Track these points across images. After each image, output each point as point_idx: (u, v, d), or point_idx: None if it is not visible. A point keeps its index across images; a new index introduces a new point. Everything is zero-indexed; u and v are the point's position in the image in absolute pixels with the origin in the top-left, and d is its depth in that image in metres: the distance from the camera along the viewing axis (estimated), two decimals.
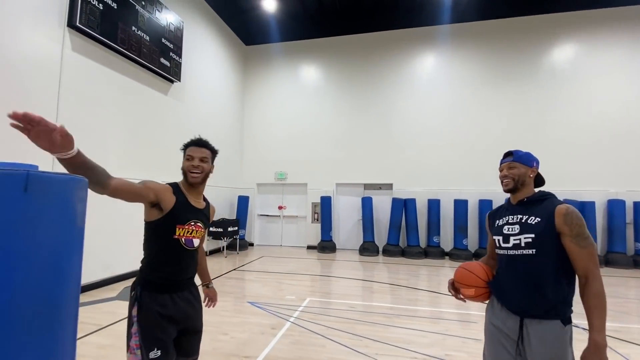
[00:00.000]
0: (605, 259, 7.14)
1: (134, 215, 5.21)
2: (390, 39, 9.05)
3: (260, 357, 2.76)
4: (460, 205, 7.70)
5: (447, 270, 6.64)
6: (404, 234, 8.27)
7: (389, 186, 8.78)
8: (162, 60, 6.14)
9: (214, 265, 6.76)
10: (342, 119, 9.12)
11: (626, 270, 6.75)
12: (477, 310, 4.06)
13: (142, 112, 5.84)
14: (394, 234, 8.11)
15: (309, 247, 9.02)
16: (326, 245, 8.38)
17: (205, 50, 7.93)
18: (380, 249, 8.35)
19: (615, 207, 7.29)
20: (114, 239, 5.01)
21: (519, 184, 1.42)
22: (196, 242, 1.56)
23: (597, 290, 1.20)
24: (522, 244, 1.33)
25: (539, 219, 1.32)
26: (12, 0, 3.74)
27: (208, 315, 3.77)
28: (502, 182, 1.46)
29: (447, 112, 8.54)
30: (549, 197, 1.39)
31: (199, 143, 1.62)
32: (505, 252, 1.39)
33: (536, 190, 1.46)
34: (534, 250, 1.31)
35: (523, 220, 1.37)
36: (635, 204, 7.23)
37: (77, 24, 4.42)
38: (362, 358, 2.77)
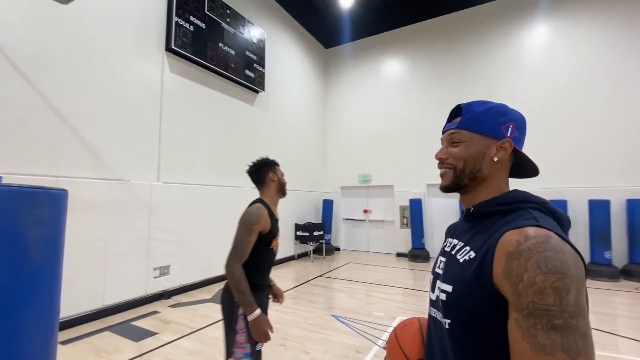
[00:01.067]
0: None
1: (229, 221, 5.50)
2: (485, 13, 7.75)
3: None
4: (599, 208, 5.97)
5: None
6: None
7: None
8: (247, 72, 6.42)
9: (301, 269, 6.73)
10: (431, 111, 8.19)
11: None
12: (629, 355, 2.89)
13: (231, 122, 6.18)
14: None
15: (399, 255, 8.31)
16: (418, 254, 7.56)
17: (287, 58, 8.10)
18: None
19: None
20: (211, 242, 5.34)
21: (465, 178, 0.74)
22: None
23: None
24: (439, 301, 0.70)
25: (473, 255, 0.65)
26: (119, 32, 4.28)
27: (292, 327, 3.61)
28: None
29: (569, 89, 6.82)
30: (517, 207, 0.67)
31: None
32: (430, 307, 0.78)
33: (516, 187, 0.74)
34: (447, 320, 0.67)
35: (453, 252, 0.73)
36: None
37: (173, 46, 4.86)
38: None
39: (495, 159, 0.71)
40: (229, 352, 1.58)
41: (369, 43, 9.29)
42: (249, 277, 1.59)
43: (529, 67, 7.24)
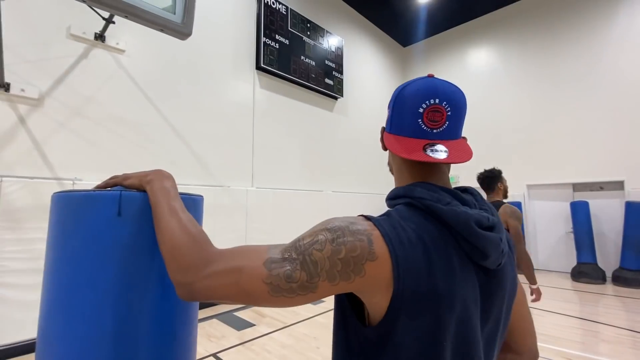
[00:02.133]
0: None
1: (311, 222, 5.78)
2: None
3: None
4: None
5: None
6: None
7: (618, 185, 6.17)
8: (327, 80, 6.67)
9: None
10: (531, 102, 7.21)
11: None
12: None
13: (312, 129, 6.49)
14: (630, 255, 5.57)
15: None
16: (586, 270, 6.05)
17: (364, 62, 8.14)
18: (609, 275, 5.92)
19: None
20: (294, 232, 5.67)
21: (392, 172, 0.72)
22: None
23: None
24: None
25: None
26: (220, 56, 4.92)
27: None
28: None
29: None
30: (398, 202, 0.59)
31: None
32: None
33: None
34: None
35: None
36: None
37: (262, 64, 5.37)
38: None
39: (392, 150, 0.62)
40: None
41: (450, 35, 8.70)
42: None
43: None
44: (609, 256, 6.10)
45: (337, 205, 6.55)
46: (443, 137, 0.57)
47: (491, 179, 2.58)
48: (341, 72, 7.03)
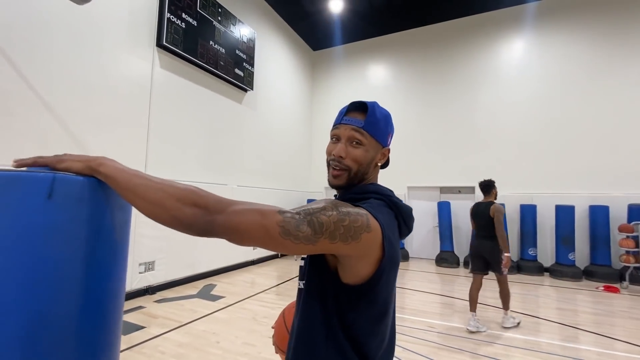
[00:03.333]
0: None
1: None
2: (468, 25, 8.17)
3: None
4: (564, 212, 6.46)
5: (547, 289, 5.59)
6: None
7: (471, 189, 7.87)
8: (237, 70, 6.47)
9: (284, 267, 6.84)
10: (415, 117, 8.52)
11: None
12: (588, 345, 3.23)
13: (219, 120, 6.21)
14: None
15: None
16: (446, 257, 7.36)
17: (276, 58, 8.18)
18: (461, 260, 7.50)
19: None
20: (197, 240, 5.35)
21: (356, 179, 0.78)
22: None
23: None
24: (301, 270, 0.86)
25: None
26: (111, 26, 4.26)
27: None
28: (329, 167, 0.79)
29: (540, 102, 7.32)
30: (366, 196, 0.76)
31: None
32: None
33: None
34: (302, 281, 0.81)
35: None
36: None
37: (164, 42, 4.86)
38: None
39: (379, 164, 0.82)
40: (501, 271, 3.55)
41: (356, 48, 9.53)
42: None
43: (507, 80, 7.70)
44: (462, 246, 7.72)
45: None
46: None
47: (488, 186, 3.81)
48: (252, 65, 6.92)
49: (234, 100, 6.63)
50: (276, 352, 1.08)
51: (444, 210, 7.60)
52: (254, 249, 6.94)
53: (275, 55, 8.15)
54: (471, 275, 3.86)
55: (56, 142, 3.62)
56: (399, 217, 0.76)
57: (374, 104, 0.81)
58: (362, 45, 9.46)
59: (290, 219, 0.60)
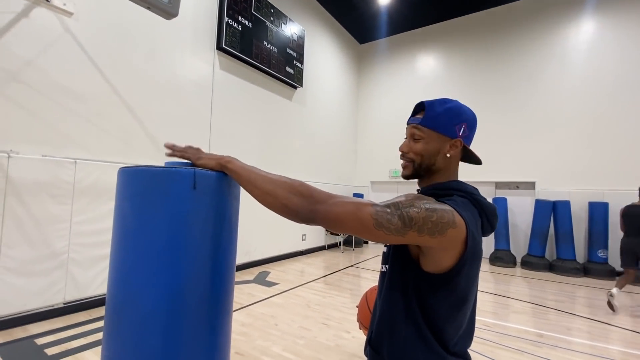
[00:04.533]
0: None
1: (267, 211, 5.86)
2: (527, 8, 7.54)
3: None
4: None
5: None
6: (553, 244, 6.77)
7: (531, 185, 7.34)
8: (287, 68, 6.69)
9: (331, 259, 7.02)
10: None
11: None
12: None
13: (271, 117, 6.51)
14: (537, 244, 6.74)
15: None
16: (502, 256, 7.05)
17: (324, 54, 8.30)
18: (518, 260, 7.07)
19: None
20: (252, 230, 5.73)
21: (422, 170, 0.86)
22: None
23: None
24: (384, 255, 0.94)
25: None
26: (179, 32, 4.68)
27: (331, 309, 3.90)
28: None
29: (611, 90, 6.55)
30: (449, 193, 0.81)
31: None
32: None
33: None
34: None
35: None
36: None
37: (224, 45, 5.21)
38: None
39: (448, 155, 0.84)
40: None
41: (404, 39, 9.28)
42: None
43: (573, 67, 7.00)
44: (519, 245, 7.27)
45: None
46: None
47: None
48: (302, 62, 7.10)
49: (285, 97, 6.89)
50: (360, 329, 1.20)
51: (499, 206, 7.19)
52: (303, 240, 7.21)
53: (323, 50, 8.26)
54: (528, 276, 3.67)
55: (136, 139, 4.11)
56: (482, 214, 0.82)
57: (434, 101, 0.87)
58: (408, 36, 9.20)
59: (382, 212, 0.69)
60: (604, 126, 6.61)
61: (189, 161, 0.80)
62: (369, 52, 9.95)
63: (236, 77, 5.68)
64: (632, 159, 6.31)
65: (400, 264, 0.81)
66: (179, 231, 0.72)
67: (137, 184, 0.72)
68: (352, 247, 8.52)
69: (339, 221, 0.69)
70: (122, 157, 3.95)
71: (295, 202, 0.70)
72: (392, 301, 0.81)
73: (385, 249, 0.90)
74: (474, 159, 0.91)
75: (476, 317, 3.13)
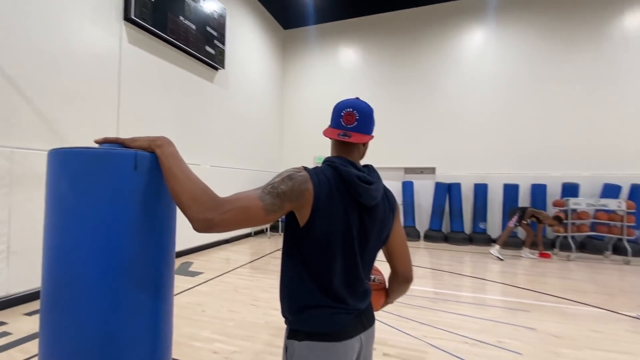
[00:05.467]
0: None
1: None
2: (434, 14, 8.52)
3: None
4: (511, 190, 7.26)
5: (493, 257, 6.37)
6: (448, 219, 8.01)
7: (432, 170, 8.49)
8: (208, 48, 6.33)
9: (258, 245, 7.08)
10: (382, 100, 8.87)
11: None
12: (530, 299, 3.88)
13: (191, 99, 6.13)
14: (436, 220, 7.90)
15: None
16: (432, 235, 7.89)
17: (247, 36, 8.04)
18: (422, 235, 8.19)
19: None
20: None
21: None
22: None
23: None
24: None
25: None
26: None
27: (259, 291, 4.02)
28: None
29: (496, 90, 7.97)
30: (325, 163, 1.05)
31: None
32: None
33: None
34: None
35: None
36: None
37: (132, 16, 4.67)
38: (410, 339, 2.79)
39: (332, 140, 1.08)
40: None
41: (328, 29, 9.56)
42: None
43: (467, 68, 8.23)
44: (422, 221, 8.40)
45: (215, 180, 6.49)
46: (354, 130, 1.00)
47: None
48: (223, 42, 6.79)
49: (205, 79, 6.53)
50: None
51: (407, 189, 8.17)
52: None
53: (246, 32, 8.00)
54: (430, 248, 4.34)
55: (21, 119, 3.48)
56: (345, 181, 0.95)
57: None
58: (334, 26, 9.51)
59: (267, 200, 0.84)
60: (489, 120, 7.99)
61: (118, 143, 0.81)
62: (294, 38, 9.97)
63: (149, 54, 5.17)
64: (508, 147, 7.81)
65: (288, 223, 0.98)
66: (121, 211, 0.75)
67: (76, 166, 0.72)
68: (279, 231, 8.69)
69: (236, 225, 0.80)
70: (5, 140, 3.32)
71: (194, 212, 0.74)
72: (284, 250, 1.00)
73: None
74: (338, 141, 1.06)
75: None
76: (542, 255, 6.36)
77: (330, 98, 9.40)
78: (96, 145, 0.81)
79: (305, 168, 0.96)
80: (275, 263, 5.53)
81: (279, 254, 6.26)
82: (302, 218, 0.92)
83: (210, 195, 0.78)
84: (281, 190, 0.86)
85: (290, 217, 0.96)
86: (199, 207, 0.75)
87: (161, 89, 5.44)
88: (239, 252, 6.32)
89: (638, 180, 6.78)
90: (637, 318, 3.35)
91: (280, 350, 2.57)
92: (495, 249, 6.20)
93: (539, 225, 6.42)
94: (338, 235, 0.94)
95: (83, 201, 0.72)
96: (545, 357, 2.54)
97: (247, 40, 8.08)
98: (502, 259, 6.03)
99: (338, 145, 1.06)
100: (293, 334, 0.96)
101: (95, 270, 0.72)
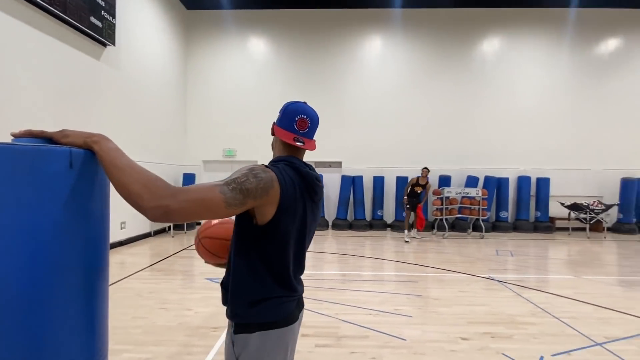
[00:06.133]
0: (513, 225, 8.54)
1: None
2: (342, 17, 9.10)
3: None
4: (402, 182, 8.40)
5: (389, 240, 7.33)
6: (352, 208, 8.79)
7: (338, 164, 9.15)
8: (93, 19, 5.42)
9: (160, 246, 6.50)
10: (292, 96, 9.05)
11: (528, 234, 8.20)
12: (417, 272, 4.66)
13: (72, 78, 5.17)
14: (342, 209, 8.59)
15: None
16: None
17: (141, 10, 7.13)
18: (330, 224, 8.79)
19: (523, 182, 8.66)
20: None
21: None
22: None
23: None
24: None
25: None
26: None
27: (168, 293, 3.75)
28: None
29: (392, 94, 9.05)
30: (277, 163, 1.08)
31: None
32: None
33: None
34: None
35: None
36: (538, 179, 8.67)
37: None
38: (325, 319, 3.06)
39: (275, 137, 1.15)
40: None
41: (238, 16, 9.20)
42: None
43: (369, 72, 9.08)
44: (330, 211, 9.01)
45: None
46: (306, 136, 1.11)
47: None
48: (113, 15, 5.89)
49: (91, 56, 5.58)
50: (207, 263, 1.32)
51: None
52: (122, 228, 6.29)
53: (140, 6, 7.09)
54: (338, 236, 4.75)
55: None
56: (302, 179, 1.04)
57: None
58: (245, 14, 9.20)
59: (228, 194, 0.84)
60: (386, 120, 9.01)
61: (42, 138, 0.74)
62: (198, 21, 9.26)
63: (14, 19, 4.15)
64: (400, 145, 8.97)
65: (242, 222, 1.00)
66: (55, 212, 0.69)
67: (2, 164, 0.64)
68: (184, 230, 8.10)
69: (194, 215, 0.79)
70: None
71: (146, 199, 0.72)
72: (237, 249, 1.03)
73: None
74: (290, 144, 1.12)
75: None
76: (419, 225, 7.36)
77: (239, 89, 9.14)
78: (20, 141, 0.72)
79: (269, 167, 0.99)
80: (182, 263, 5.20)
81: (186, 252, 5.90)
82: (263, 216, 0.95)
83: (164, 182, 0.76)
84: (245, 187, 0.87)
85: (244, 217, 0.98)
86: (153, 194, 0.72)
87: (34, 65, 4.44)
88: (137, 255, 5.70)
89: (489, 173, 8.69)
90: (489, 279, 4.40)
91: (198, 349, 2.52)
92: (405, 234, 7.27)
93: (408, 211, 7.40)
94: (295, 231, 1.03)
95: (10, 203, 0.64)
96: (429, 316, 3.14)
97: (143, 15, 7.17)
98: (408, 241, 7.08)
99: (290, 146, 1.13)
100: (243, 327, 1.00)
101: (27, 273, 0.67)
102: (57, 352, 0.74)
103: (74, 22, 5.04)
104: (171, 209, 0.74)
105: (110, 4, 5.84)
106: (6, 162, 0.65)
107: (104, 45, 5.87)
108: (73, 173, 0.73)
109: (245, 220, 0.99)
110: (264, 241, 0.99)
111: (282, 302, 1.04)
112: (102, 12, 5.64)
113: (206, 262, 1.35)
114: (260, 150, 9.03)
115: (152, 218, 0.74)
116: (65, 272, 0.72)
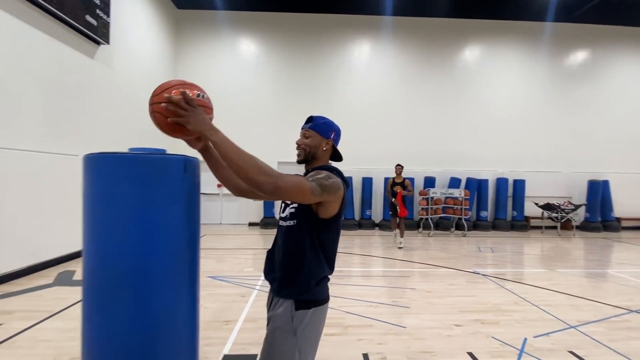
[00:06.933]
0: (493, 224, 9.07)
1: (62, 197, 4.72)
2: (332, 22, 9.34)
3: (240, 319, 3.05)
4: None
5: (377, 238, 7.63)
6: None
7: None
8: (88, 18, 5.38)
9: None
10: (283, 97, 9.24)
11: (506, 232, 8.73)
12: (407, 268, 4.96)
13: (66, 76, 5.12)
14: None
15: (251, 224, 9.20)
16: (269, 222, 8.71)
17: (133, 8, 7.09)
18: None
19: (501, 183, 9.21)
20: (39, 222, 4.49)
21: (309, 156, 1.32)
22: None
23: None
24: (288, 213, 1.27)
25: None
26: None
27: None
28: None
29: (379, 98, 9.38)
30: (326, 168, 1.28)
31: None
32: (281, 222, 1.32)
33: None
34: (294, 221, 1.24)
35: None
36: (515, 181, 9.24)
37: None
38: (330, 311, 3.25)
39: (324, 149, 1.33)
40: None
41: (229, 17, 9.25)
42: None
43: (357, 76, 9.37)
44: None
45: None
46: None
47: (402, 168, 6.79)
48: (108, 13, 5.86)
49: (85, 55, 5.54)
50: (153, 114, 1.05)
51: None
52: None
53: (132, 4, 7.04)
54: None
55: None
56: (345, 182, 1.30)
57: (318, 117, 1.36)
58: (234, 15, 9.26)
59: (314, 185, 1.10)
60: (375, 123, 9.32)
61: (156, 149, 0.91)
62: (189, 20, 9.23)
63: (11, 16, 4.11)
64: (388, 147, 9.30)
65: (306, 217, 1.21)
66: (175, 209, 0.88)
67: (137, 169, 0.81)
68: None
69: (292, 196, 1.05)
70: None
71: (263, 180, 0.96)
72: (302, 238, 1.22)
73: (288, 212, 1.28)
74: (337, 156, 1.41)
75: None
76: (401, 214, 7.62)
77: (229, 89, 9.19)
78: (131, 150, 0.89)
79: (333, 172, 1.23)
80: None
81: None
82: (329, 211, 1.20)
83: (271, 168, 1.00)
84: (324, 184, 1.11)
85: (311, 212, 1.20)
86: (268, 175, 0.96)
87: (27, 62, 4.39)
88: None
89: (470, 174, 9.18)
90: (474, 272, 4.75)
91: (215, 341, 2.66)
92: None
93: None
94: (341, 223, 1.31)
95: (143, 200, 0.82)
96: (424, 306, 3.42)
97: (134, 13, 7.13)
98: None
99: (328, 157, 1.39)
100: (304, 304, 1.20)
101: (156, 259, 0.84)
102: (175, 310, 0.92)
103: (70, 20, 5.00)
104: (279, 186, 0.98)
105: (105, 2, 5.81)
106: (139, 168, 0.83)
107: (98, 43, 5.83)
108: (186, 177, 0.91)
109: (309, 216, 1.21)
110: (326, 231, 1.23)
111: (328, 282, 1.30)
112: (97, 10, 5.61)
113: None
114: (250, 150, 9.07)
115: (267, 192, 0.97)
116: (182, 257, 0.90)
